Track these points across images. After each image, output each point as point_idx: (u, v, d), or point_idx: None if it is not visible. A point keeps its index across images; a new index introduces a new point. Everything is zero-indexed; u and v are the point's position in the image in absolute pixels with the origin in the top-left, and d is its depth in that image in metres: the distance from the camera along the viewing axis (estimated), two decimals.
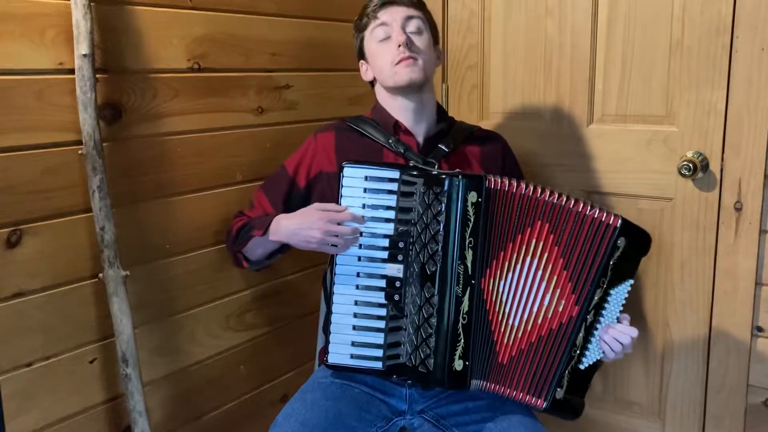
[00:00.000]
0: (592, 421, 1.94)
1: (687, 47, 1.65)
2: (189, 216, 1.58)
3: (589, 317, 1.32)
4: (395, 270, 1.34)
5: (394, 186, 1.33)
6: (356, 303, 1.36)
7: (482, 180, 1.30)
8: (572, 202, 1.31)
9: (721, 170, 1.65)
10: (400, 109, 1.49)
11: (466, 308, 1.32)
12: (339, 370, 1.39)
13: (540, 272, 1.32)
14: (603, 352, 1.34)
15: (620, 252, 1.31)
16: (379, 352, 1.35)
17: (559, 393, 1.34)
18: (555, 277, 1.32)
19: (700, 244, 1.71)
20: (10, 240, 1.26)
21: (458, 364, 1.33)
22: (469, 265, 1.31)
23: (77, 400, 1.40)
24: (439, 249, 1.31)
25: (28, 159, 1.27)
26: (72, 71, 1.31)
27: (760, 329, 1.67)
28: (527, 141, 1.88)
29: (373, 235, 1.34)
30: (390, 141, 1.47)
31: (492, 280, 1.33)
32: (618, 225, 1.30)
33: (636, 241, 1.34)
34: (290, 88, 1.80)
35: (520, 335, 1.34)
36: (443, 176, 1.30)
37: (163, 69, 1.49)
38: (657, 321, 1.81)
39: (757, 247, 1.63)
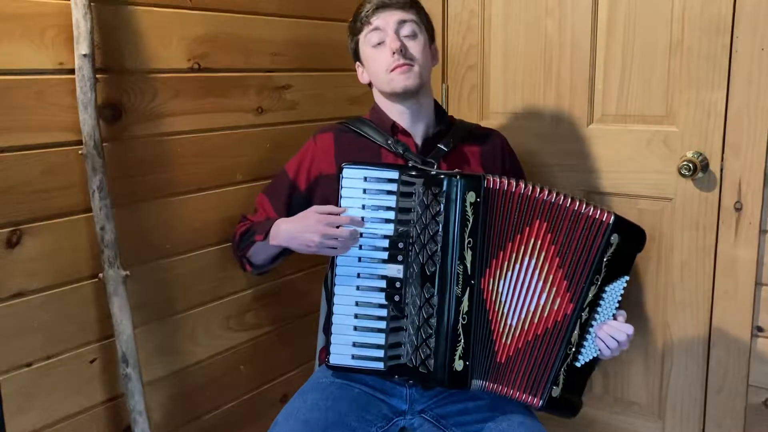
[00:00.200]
0: (592, 421, 1.94)
1: (687, 47, 1.65)
2: (189, 216, 1.58)
3: (584, 314, 1.32)
4: (395, 270, 1.34)
5: (393, 186, 1.33)
6: (357, 304, 1.36)
7: (481, 180, 1.30)
8: (569, 200, 1.31)
9: (721, 170, 1.65)
10: (397, 113, 1.49)
11: (465, 308, 1.32)
12: (340, 370, 1.39)
13: (537, 271, 1.33)
14: (599, 350, 1.34)
15: (614, 248, 1.31)
16: (380, 353, 1.35)
17: (556, 391, 1.34)
18: (551, 276, 1.32)
19: (700, 244, 1.71)
20: (10, 240, 1.26)
21: (458, 365, 1.33)
22: (469, 265, 1.31)
23: (77, 400, 1.40)
24: (439, 249, 1.31)
25: (28, 159, 1.27)
26: (72, 71, 1.31)
27: (760, 329, 1.67)
28: (527, 141, 1.89)
29: (373, 236, 1.34)
30: (389, 142, 1.47)
31: (491, 280, 1.33)
32: (611, 222, 1.30)
33: (630, 238, 1.33)
34: (290, 88, 1.80)
35: (517, 334, 1.34)
36: (441, 176, 1.30)
37: (163, 69, 1.49)
38: (657, 321, 1.81)
39: (757, 247, 1.63)
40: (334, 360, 1.37)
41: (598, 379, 1.92)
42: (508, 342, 1.34)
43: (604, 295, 1.33)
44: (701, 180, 1.68)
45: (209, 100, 1.60)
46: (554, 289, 1.32)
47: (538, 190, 1.31)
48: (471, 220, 1.30)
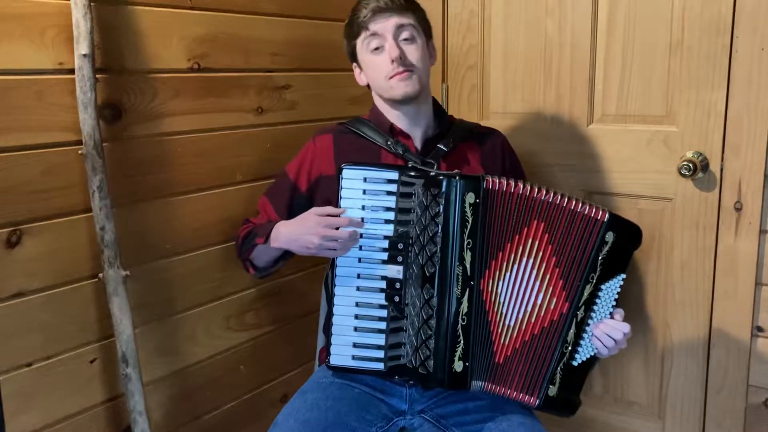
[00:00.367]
0: (592, 421, 1.94)
1: (687, 47, 1.65)
2: (189, 216, 1.58)
3: (580, 313, 1.32)
4: (395, 271, 1.34)
5: (393, 187, 1.33)
6: (357, 304, 1.36)
7: (480, 181, 1.30)
8: (565, 199, 1.31)
9: (721, 170, 1.65)
10: (396, 115, 1.49)
11: (465, 309, 1.32)
12: (341, 371, 1.39)
13: (534, 271, 1.33)
14: (596, 349, 1.34)
15: (609, 246, 1.31)
16: (381, 353, 1.35)
17: (552, 390, 1.34)
18: (548, 276, 1.32)
19: (700, 244, 1.71)
20: (10, 240, 1.26)
21: (458, 366, 1.33)
22: (468, 266, 1.31)
23: (77, 400, 1.40)
24: (438, 251, 1.31)
25: (28, 159, 1.27)
26: (72, 71, 1.31)
27: (760, 329, 1.66)
28: (527, 141, 1.89)
29: (373, 237, 1.34)
30: (389, 142, 1.47)
31: (491, 281, 1.33)
32: (605, 220, 1.30)
33: (626, 235, 1.33)
34: (290, 88, 1.80)
35: (515, 335, 1.34)
36: (441, 177, 1.30)
37: (163, 69, 1.50)
38: (657, 321, 1.81)
39: (757, 247, 1.63)
40: (334, 360, 1.37)
41: (598, 379, 1.93)
42: (506, 342, 1.34)
43: (600, 294, 1.32)
44: (701, 180, 1.68)
45: (209, 100, 1.60)
46: (551, 288, 1.32)
47: (536, 190, 1.31)
48: (470, 221, 1.30)
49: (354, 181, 1.33)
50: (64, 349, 1.37)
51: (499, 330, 1.34)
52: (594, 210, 1.31)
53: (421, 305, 1.33)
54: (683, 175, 1.67)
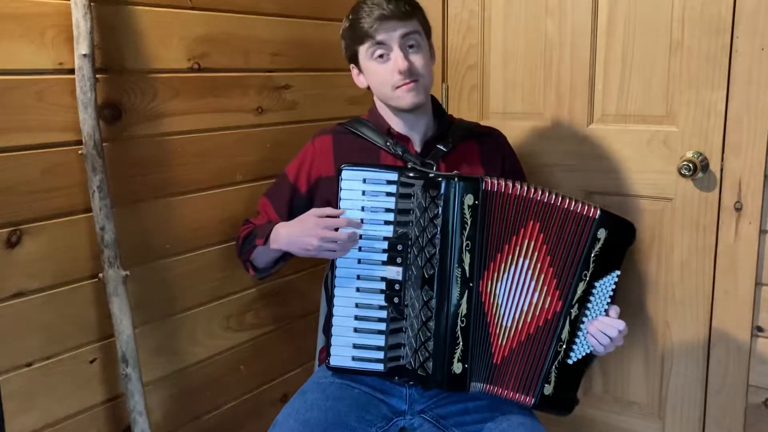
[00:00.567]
0: (592, 421, 1.94)
1: (687, 47, 1.65)
2: (189, 216, 1.58)
3: (573, 311, 1.32)
4: (394, 272, 1.34)
5: (392, 188, 1.33)
6: (357, 305, 1.36)
7: (479, 182, 1.30)
8: (559, 198, 1.31)
9: (721, 170, 1.65)
10: (396, 119, 1.48)
11: (464, 311, 1.32)
12: (341, 372, 1.40)
13: (530, 271, 1.33)
14: (592, 346, 1.34)
15: (602, 243, 1.30)
16: (380, 354, 1.36)
17: (548, 389, 1.34)
18: (543, 275, 1.32)
19: (700, 244, 1.71)
20: (10, 240, 1.26)
21: (457, 367, 1.33)
22: (467, 268, 1.31)
23: (77, 400, 1.40)
24: (437, 252, 1.31)
25: (28, 159, 1.27)
26: (72, 71, 1.31)
27: (760, 329, 1.66)
28: (527, 141, 1.88)
29: (373, 238, 1.34)
30: (388, 143, 1.47)
31: (489, 283, 1.33)
32: (596, 216, 1.30)
33: (618, 232, 1.32)
34: (290, 88, 1.80)
35: (511, 335, 1.34)
36: (439, 179, 1.30)
37: (163, 69, 1.49)
38: (657, 321, 1.81)
39: (757, 247, 1.63)
40: (334, 361, 1.37)
41: (598, 379, 1.93)
42: (503, 343, 1.34)
43: (594, 291, 1.32)
44: (701, 180, 1.68)
45: (209, 100, 1.60)
46: (545, 287, 1.32)
47: (533, 190, 1.31)
48: (469, 223, 1.30)
49: (353, 182, 1.33)
50: (64, 349, 1.37)
51: (497, 331, 1.34)
52: (585, 208, 1.31)
53: (420, 307, 1.33)
54: (683, 175, 1.67)
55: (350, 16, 1.45)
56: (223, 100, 1.63)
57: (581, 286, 1.31)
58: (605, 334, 1.31)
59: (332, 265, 1.38)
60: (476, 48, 1.97)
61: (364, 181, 1.33)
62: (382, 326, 1.35)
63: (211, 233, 1.63)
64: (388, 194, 1.33)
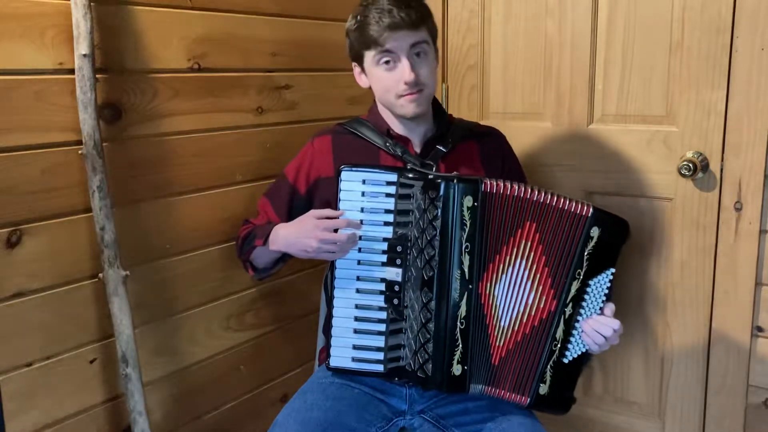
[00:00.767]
0: (592, 421, 1.94)
1: (687, 47, 1.65)
2: (189, 216, 1.58)
3: (567, 310, 1.32)
4: (394, 274, 1.34)
5: (392, 189, 1.32)
6: (357, 306, 1.36)
7: (478, 184, 1.30)
8: (554, 198, 1.31)
9: (721, 170, 1.65)
10: (396, 122, 1.48)
11: (463, 313, 1.32)
12: (341, 372, 1.40)
13: (527, 272, 1.32)
14: (587, 345, 1.33)
15: (595, 241, 1.30)
16: (380, 355, 1.36)
17: (543, 389, 1.34)
18: (538, 275, 1.32)
19: (700, 244, 1.71)
20: (10, 240, 1.26)
21: (457, 369, 1.33)
22: (466, 270, 1.31)
23: (77, 400, 1.40)
24: (436, 254, 1.31)
25: (28, 159, 1.27)
26: (72, 71, 1.31)
27: (760, 329, 1.66)
28: (527, 141, 1.89)
29: (372, 239, 1.34)
30: (387, 143, 1.46)
31: (488, 284, 1.33)
32: (589, 215, 1.30)
33: (611, 230, 1.32)
34: (290, 88, 1.80)
35: (508, 336, 1.34)
36: (439, 181, 1.30)
37: (163, 69, 1.49)
38: (657, 321, 1.81)
39: (757, 247, 1.63)
40: (334, 362, 1.38)
41: (598, 379, 1.93)
42: (501, 344, 1.34)
43: (588, 289, 1.32)
44: (701, 180, 1.68)
45: (209, 100, 1.60)
46: (540, 287, 1.32)
47: (529, 190, 1.31)
48: (468, 225, 1.30)
49: (353, 183, 1.33)
50: (64, 349, 1.36)
51: (496, 333, 1.34)
52: (579, 206, 1.30)
53: (419, 308, 1.33)
54: (683, 175, 1.67)
55: (358, 17, 1.40)
56: (223, 100, 1.63)
57: (575, 285, 1.31)
58: (600, 333, 1.30)
59: (332, 265, 1.38)
60: (476, 48, 1.97)
61: (364, 182, 1.33)
62: (382, 327, 1.35)
63: (211, 233, 1.63)
64: (388, 195, 1.33)
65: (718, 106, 1.63)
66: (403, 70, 1.37)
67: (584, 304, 1.32)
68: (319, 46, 1.86)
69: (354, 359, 1.37)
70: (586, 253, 1.30)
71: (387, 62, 1.39)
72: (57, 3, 1.29)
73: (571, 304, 1.32)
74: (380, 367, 1.36)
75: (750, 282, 1.65)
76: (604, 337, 1.30)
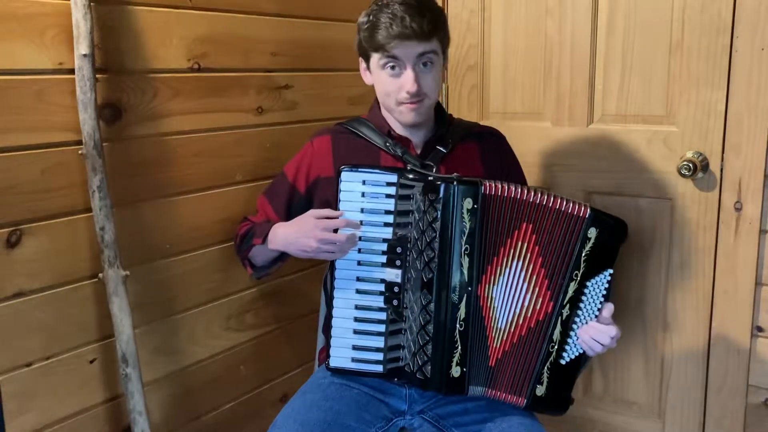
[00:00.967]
0: (592, 421, 1.94)
1: (687, 47, 1.65)
2: (189, 216, 1.58)
3: (565, 311, 1.31)
4: (393, 275, 1.34)
5: (392, 190, 1.32)
6: (356, 307, 1.36)
7: (478, 186, 1.30)
8: (551, 199, 1.30)
9: (721, 170, 1.65)
10: (398, 124, 1.48)
11: (462, 315, 1.32)
12: (340, 373, 1.40)
13: (524, 273, 1.32)
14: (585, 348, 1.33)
15: (592, 242, 1.29)
16: (380, 356, 1.36)
17: (540, 390, 1.34)
18: (535, 277, 1.32)
19: (700, 244, 1.71)
20: (10, 240, 1.26)
21: (456, 371, 1.33)
22: (466, 271, 1.31)
23: (77, 400, 1.40)
24: (436, 256, 1.31)
25: (28, 159, 1.27)
26: (72, 71, 1.31)
27: (760, 329, 1.66)
28: (527, 141, 1.88)
29: (372, 240, 1.34)
30: (387, 143, 1.46)
31: (487, 286, 1.32)
32: (586, 216, 1.29)
33: (609, 230, 1.31)
34: (290, 88, 1.80)
35: (505, 338, 1.34)
36: (439, 182, 1.30)
37: (163, 69, 1.49)
38: (657, 321, 1.81)
39: (757, 247, 1.63)
40: (333, 362, 1.38)
41: (598, 379, 1.93)
42: (498, 346, 1.34)
43: (585, 291, 1.31)
44: (701, 180, 1.68)
45: (209, 100, 1.60)
46: (537, 289, 1.32)
47: (527, 192, 1.31)
48: (468, 227, 1.30)
49: (353, 184, 1.33)
50: (64, 349, 1.36)
51: (494, 334, 1.34)
52: (576, 207, 1.30)
53: (419, 310, 1.33)
54: (683, 175, 1.67)
55: (371, 17, 1.38)
56: (223, 100, 1.63)
57: (572, 286, 1.31)
58: (597, 341, 1.30)
59: (332, 266, 1.38)
60: (476, 48, 1.97)
61: (364, 182, 1.33)
62: (382, 328, 1.35)
63: (211, 233, 1.63)
64: (388, 196, 1.33)
65: (718, 106, 1.63)
66: (407, 79, 1.37)
67: (582, 305, 1.32)
68: (319, 46, 1.86)
69: (353, 359, 1.37)
70: (583, 255, 1.30)
71: (393, 67, 1.38)
72: (57, 3, 1.29)
73: (568, 306, 1.31)
74: (380, 368, 1.36)
75: (750, 282, 1.65)
76: (602, 344, 1.30)
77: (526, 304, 1.33)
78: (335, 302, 1.37)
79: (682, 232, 1.73)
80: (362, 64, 1.48)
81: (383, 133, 1.48)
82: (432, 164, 1.44)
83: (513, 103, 1.94)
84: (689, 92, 1.67)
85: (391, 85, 1.39)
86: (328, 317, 1.40)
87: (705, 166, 1.66)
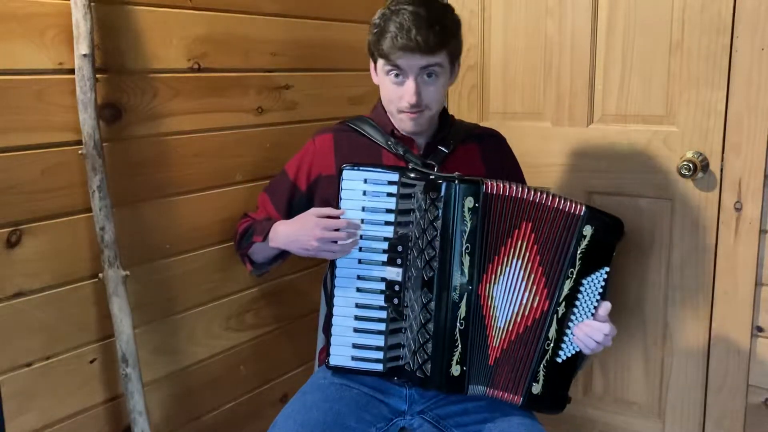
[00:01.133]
0: (592, 421, 1.94)
1: (687, 47, 1.66)
2: (189, 216, 1.58)
3: (560, 309, 1.31)
4: (394, 273, 1.34)
5: (393, 189, 1.32)
6: (357, 305, 1.36)
7: (479, 185, 1.30)
8: (549, 198, 1.31)
9: (721, 170, 1.65)
10: (400, 123, 1.48)
11: (463, 314, 1.32)
12: (340, 371, 1.40)
13: (522, 272, 1.32)
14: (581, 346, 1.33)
15: (588, 240, 1.29)
16: (380, 354, 1.36)
17: (536, 388, 1.34)
18: (533, 275, 1.32)
19: (700, 244, 1.71)
20: (10, 240, 1.26)
21: (456, 370, 1.33)
22: (467, 270, 1.31)
23: (77, 400, 1.40)
24: (436, 255, 1.31)
25: (28, 159, 1.27)
26: (72, 71, 1.31)
27: (760, 329, 1.67)
28: (527, 141, 1.89)
29: (373, 238, 1.34)
30: (389, 142, 1.46)
31: (487, 285, 1.33)
32: (581, 214, 1.29)
33: (605, 229, 1.31)
34: (290, 88, 1.80)
35: (503, 336, 1.34)
36: (440, 181, 1.30)
37: (163, 69, 1.49)
38: (657, 321, 1.81)
39: (757, 247, 1.63)
40: (333, 361, 1.37)
41: (598, 379, 1.93)
42: (497, 344, 1.34)
43: (581, 288, 1.31)
44: (701, 180, 1.68)
45: (209, 100, 1.60)
46: (534, 287, 1.32)
47: (526, 191, 1.31)
48: (469, 226, 1.30)
49: (354, 182, 1.33)
50: (64, 349, 1.36)
51: (493, 333, 1.34)
52: (572, 205, 1.30)
53: (419, 309, 1.33)
54: (683, 175, 1.67)
55: (380, 23, 1.37)
56: (223, 100, 1.63)
57: (568, 284, 1.31)
58: (592, 338, 1.30)
59: (332, 264, 1.38)
60: (476, 48, 1.98)
61: (365, 181, 1.33)
62: (382, 326, 1.35)
63: (211, 233, 1.63)
64: (389, 195, 1.33)
65: (718, 106, 1.63)
66: (408, 90, 1.36)
67: (578, 303, 1.32)
68: (319, 46, 1.86)
69: (353, 358, 1.37)
70: (579, 252, 1.30)
71: (396, 75, 1.38)
72: (57, 3, 1.29)
73: (564, 304, 1.31)
74: (380, 366, 1.36)
75: (750, 282, 1.65)
76: (596, 342, 1.30)
77: (524, 302, 1.33)
78: (335, 300, 1.37)
79: (682, 232, 1.73)
80: (372, 65, 1.48)
81: (386, 132, 1.48)
82: (433, 163, 1.44)
83: (513, 103, 1.94)
84: (689, 92, 1.67)
85: (394, 93, 1.40)
86: (329, 316, 1.40)
87: (705, 166, 1.66)
